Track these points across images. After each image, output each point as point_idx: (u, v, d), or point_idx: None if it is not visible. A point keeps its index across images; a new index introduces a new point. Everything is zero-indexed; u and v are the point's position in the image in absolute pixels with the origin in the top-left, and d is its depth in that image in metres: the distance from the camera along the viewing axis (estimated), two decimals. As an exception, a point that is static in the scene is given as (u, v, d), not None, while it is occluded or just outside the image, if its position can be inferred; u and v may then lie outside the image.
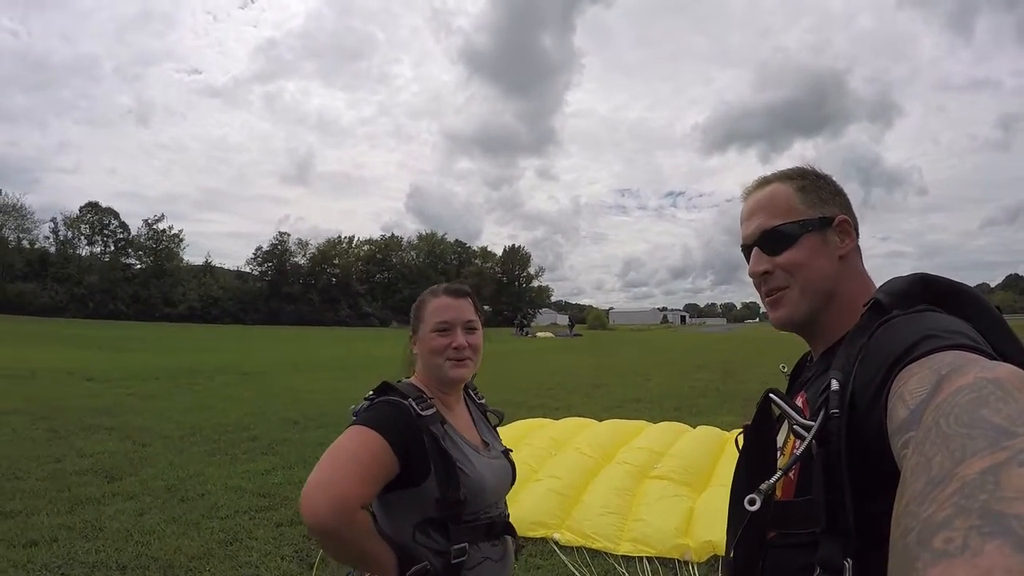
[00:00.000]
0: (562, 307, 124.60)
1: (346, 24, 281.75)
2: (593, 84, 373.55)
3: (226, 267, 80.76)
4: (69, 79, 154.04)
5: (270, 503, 4.56)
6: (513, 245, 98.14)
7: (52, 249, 67.16)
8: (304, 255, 78.08)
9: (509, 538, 1.48)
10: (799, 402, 0.90)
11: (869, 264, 0.98)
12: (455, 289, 1.51)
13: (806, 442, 0.73)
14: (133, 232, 71.27)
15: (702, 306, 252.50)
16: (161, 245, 71.67)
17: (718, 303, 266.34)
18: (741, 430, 0.95)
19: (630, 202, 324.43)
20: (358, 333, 45.50)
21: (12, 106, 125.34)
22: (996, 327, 0.73)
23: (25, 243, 65.05)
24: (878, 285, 0.86)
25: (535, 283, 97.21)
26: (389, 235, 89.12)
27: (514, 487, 1.56)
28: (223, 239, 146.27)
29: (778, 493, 0.83)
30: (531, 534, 3.87)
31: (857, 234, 0.97)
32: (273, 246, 77.04)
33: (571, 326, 54.67)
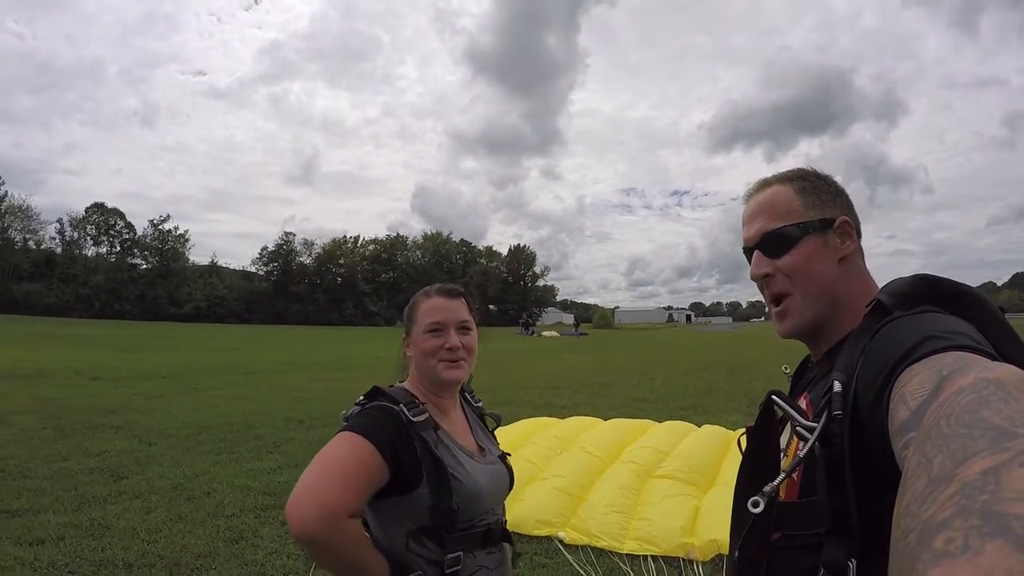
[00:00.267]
0: (567, 306, 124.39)
1: (350, 25, 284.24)
2: (598, 83, 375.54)
3: (232, 267, 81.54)
4: (74, 81, 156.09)
5: (276, 502, 4.57)
6: (518, 244, 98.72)
7: (58, 250, 67.76)
8: (309, 255, 78.51)
9: (506, 545, 1.44)
10: (802, 403, 0.90)
11: (874, 263, 0.98)
12: (448, 289, 1.47)
13: (809, 444, 0.73)
14: (139, 233, 72.01)
15: (707, 305, 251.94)
16: (167, 245, 72.19)
17: (724, 302, 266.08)
18: (744, 431, 0.95)
19: (635, 201, 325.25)
20: (363, 333, 45.55)
21: (18, 108, 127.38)
22: (998, 327, 0.73)
23: (31, 244, 65.60)
24: (881, 285, 0.86)
25: (540, 282, 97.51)
26: (394, 235, 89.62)
27: (518, 486, 1.53)
28: (229, 239, 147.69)
29: (782, 494, 0.83)
30: (536, 532, 3.88)
31: (859, 235, 0.97)
32: (279, 246, 77.46)
33: (577, 325, 54.63)
